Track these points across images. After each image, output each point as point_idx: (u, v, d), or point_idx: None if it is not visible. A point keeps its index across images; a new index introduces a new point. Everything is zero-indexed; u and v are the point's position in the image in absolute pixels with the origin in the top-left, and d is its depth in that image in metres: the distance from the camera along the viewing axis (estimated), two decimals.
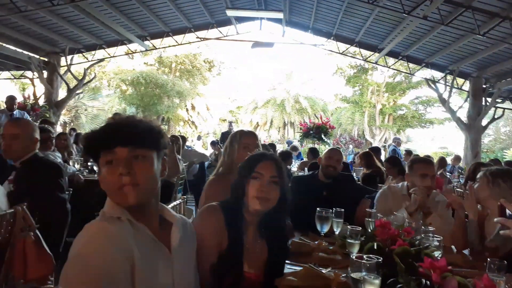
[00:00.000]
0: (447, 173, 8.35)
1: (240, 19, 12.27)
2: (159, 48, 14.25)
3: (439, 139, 29.60)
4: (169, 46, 14.74)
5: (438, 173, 7.66)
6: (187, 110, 26.20)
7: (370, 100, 24.98)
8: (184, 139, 7.04)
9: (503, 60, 10.49)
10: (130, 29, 11.58)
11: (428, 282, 1.22)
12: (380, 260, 1.32)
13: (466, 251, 2.50)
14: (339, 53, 13.03)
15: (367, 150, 6.62)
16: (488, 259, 1.52)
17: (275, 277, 1.58)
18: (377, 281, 1.28)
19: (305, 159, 8.54)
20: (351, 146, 22.96)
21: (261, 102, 29.58)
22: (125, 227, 1.15)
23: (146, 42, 12.80)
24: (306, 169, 6.26)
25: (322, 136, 9.97)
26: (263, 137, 25.10)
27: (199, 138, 20.63)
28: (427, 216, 2.65)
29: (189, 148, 7.40)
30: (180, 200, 2.89)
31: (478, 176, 2.56)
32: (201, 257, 1.46)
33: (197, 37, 13.01)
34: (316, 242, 2.14)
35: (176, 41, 13.07)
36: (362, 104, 25.01)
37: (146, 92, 22.67)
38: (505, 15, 7.77)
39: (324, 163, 3.13)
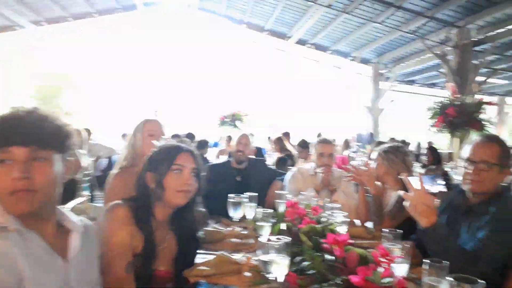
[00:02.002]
0: (352, 153, 8.96)
1: (147, 3, 11.75)
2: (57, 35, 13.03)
3: (346, 121, 31.63)
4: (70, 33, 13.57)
5: (345, 153, 8.20)
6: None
7: None
8: (89, 132, 6.59)
9: (398, 46, 11.51)
10: (22, 13, 10.40)
11: (332, 257, 1.26)
12: (288, 240, 1.33)
13: (370, 224, 2.70)
14: (252, 41, 13.17)
15: (279, 135, 6.81)
16: (384, 229, 1.62)
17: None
18: (286, 261, 1.30)
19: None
20: None
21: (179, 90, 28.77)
22: (12, 239, 1.00)
23: (42, 28, 11.61)
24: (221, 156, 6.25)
25: (237, 123, 10.06)
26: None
27: None
28: (333, 193, 2.80)
29: (95, 142, 6.95)
30: (84, 198, 2.67)
31: (374, 155, 2.76)
32: (114, 260, 1.37)
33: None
34: (228, 229, 2.13)
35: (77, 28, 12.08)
36: None
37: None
38: (398, 5, 8.48)
39: (234, 149, 3.14)
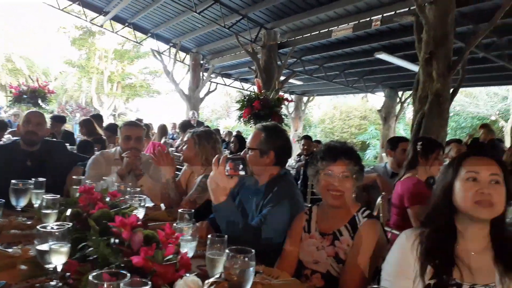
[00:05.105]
0: (170, 140, 9.03)
1: None
2: None
3: (166, 108, 31.57)
4: None
5: (162, 141, 8.17)
6: None
7: (98, 66, 23.85)
8: None
9: (216, 39, 12.05)
10: None
11: (118, 240, 1.22)
12: (69, 226, 1.23)
13: None
14: (59, 9, 11.64)
15: (88, 117, 6.30)
16: (179, 210, 1.68)
17: None
18: (65, 249, 1.20)
19: None
20: (78, 114, 21.55)
21: None
22: None
23: None
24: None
25: (39, 101, 8.76)
26: None
27: None
28: (139, 178, 2.75)
29: None
30: None
31: (185, 138, 2.84)
32: None
33: None
34: (7, 219, 1.84)
35: None
36: (89, 69, 23.62)
37: None
38: None
39: (22, 130, 2.73)
